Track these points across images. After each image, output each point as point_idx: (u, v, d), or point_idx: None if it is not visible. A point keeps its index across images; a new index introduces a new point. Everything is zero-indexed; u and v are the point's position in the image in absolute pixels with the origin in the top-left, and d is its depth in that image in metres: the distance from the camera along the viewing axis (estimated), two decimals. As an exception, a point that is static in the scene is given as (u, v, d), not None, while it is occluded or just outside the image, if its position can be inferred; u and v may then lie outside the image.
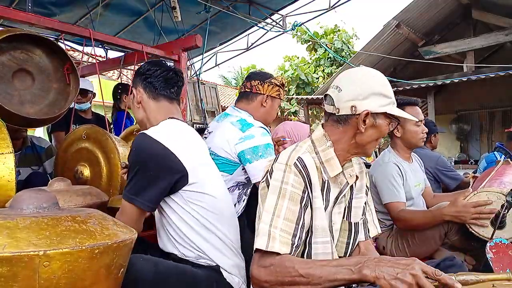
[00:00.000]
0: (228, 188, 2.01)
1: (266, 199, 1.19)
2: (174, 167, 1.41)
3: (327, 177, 1.28)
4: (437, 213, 2.09)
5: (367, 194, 1.48)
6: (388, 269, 0.95)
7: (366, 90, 1.26)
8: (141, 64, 1.79)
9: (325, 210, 1.29)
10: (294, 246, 1.14)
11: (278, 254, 1.10)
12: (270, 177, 1.22)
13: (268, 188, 1.20)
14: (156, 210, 1.52)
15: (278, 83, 2.13)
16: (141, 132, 1.46)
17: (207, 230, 1.46)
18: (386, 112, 1.28)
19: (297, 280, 1.04)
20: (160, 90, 1.64)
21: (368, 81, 1.29)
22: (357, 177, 1.40)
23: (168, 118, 1.60)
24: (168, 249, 1.50)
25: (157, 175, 1.40)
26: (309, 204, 1.22)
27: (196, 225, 1.45)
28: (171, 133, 1.51)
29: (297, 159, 1.22)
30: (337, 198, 1.33)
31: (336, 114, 1.30)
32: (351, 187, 1.39)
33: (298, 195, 1.18)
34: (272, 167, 1.24)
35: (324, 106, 1.37)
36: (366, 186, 1.48)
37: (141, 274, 1.16)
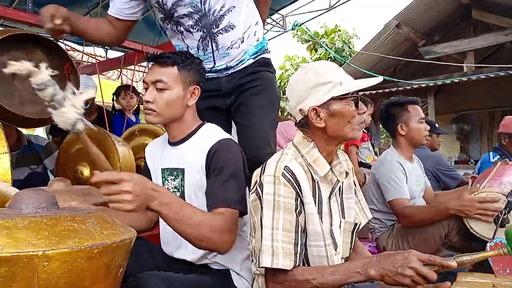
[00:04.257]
0: None
1: (260, 212, 1.20)
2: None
3: (318, 177, 1.28)
4: (442, 207, 2.09)
5: (356, 195, 1.46)
6: (389, 266, 1.07)
7: (302, 89, 1.27)
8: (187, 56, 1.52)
9: (321, 212, 1.28)
10: (297, 254, 1.18)
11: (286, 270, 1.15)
12: (261, 189, 1.22)
13: (259, 201, 1.22)
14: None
15: None
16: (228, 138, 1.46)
17: None
18: (333, 97, 1.23)
19: None
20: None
21: (301, 80, 1.29)
22: (347, 173, 1.38)
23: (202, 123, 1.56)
24: None
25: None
26: (302, 210, 1.24)
27: None
28: None
29: (284, 169, 1.21)
30: (330, 196, 1.33)
31: (296, 123, 1.32)
32: (340, 187, 1.37)
33: (292, 204, 1.20)
34: (260, 179, 1.24)
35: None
36: (354, 184, 1.45)
37: None
